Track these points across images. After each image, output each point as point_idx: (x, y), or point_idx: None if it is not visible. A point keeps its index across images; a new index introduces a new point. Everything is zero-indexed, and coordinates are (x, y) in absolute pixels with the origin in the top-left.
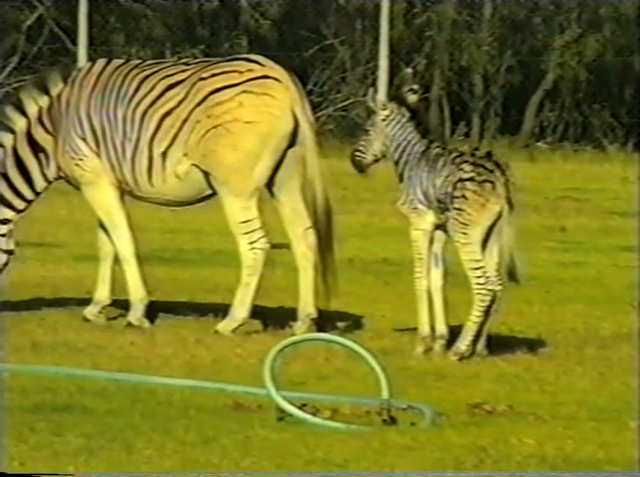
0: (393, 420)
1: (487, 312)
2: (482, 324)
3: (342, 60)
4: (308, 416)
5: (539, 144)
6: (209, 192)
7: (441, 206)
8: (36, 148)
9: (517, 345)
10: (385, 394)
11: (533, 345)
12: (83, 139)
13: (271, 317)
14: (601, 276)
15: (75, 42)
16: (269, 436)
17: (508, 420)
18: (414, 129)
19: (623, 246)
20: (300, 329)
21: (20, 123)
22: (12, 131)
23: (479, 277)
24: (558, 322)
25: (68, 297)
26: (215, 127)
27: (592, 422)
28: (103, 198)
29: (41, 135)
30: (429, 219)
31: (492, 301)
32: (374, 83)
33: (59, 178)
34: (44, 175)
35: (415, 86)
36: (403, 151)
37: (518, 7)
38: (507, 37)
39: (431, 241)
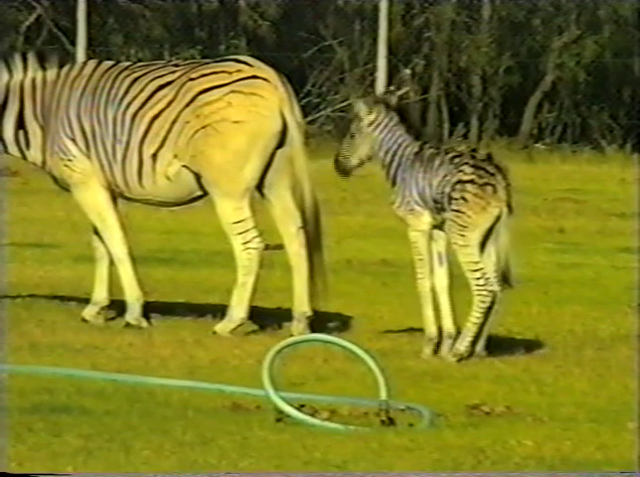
0: (391, 421)
1: (487, 313)
2: (482, 325)
3: (340, 61)
4: (307, 417)
5: (537, 145)
6: (200, 192)
7: (437, 206)
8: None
9: (515, 346)
10: (383, 394)
11: (531, 346)
12: (73, 140)
13: (270, 318)
14: (600, 278)
15: (73, 42)
16: (268, 437)
17: (506, 422)
18: (405, 132)
19: (622, 248)
20: (297, 328)
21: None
22: None
23: (479, 278)
24: (556, 323)
25: (66, 298)
26: (203, 127)
27: (591, 424)
28: (94, 199)
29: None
30: (426, 219)
31: (492, 302)
32: (372, 84)
33: None
34: None
35: (392, 88)
36: (394, 154)
37: (517, 8)
38: (506, 38)
39: (430, 242)
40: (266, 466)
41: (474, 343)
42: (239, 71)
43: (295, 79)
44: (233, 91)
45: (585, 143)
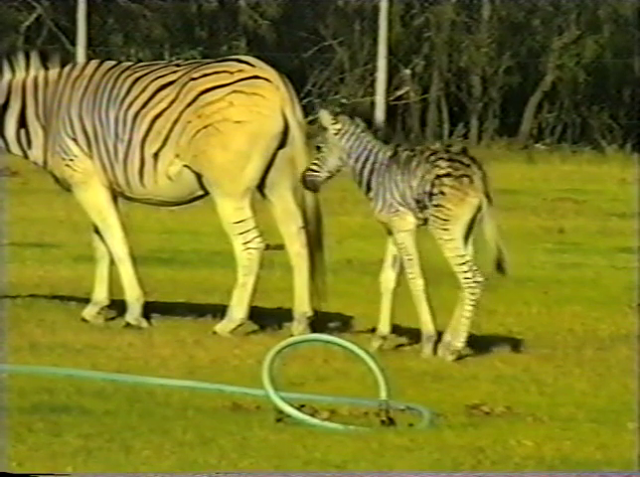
0: (391, 421)
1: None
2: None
3: (340, 61)
4: (307, 417)
5: (537, 145)
6: (201, 192)
7: (420, 205)
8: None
9: (515, 346)
10: (383, 394)
11: (531, 346)
12: (74, 140)
13: (270, 318)
14: (600, 278)
15: (73, 42)
16: (268, 437)
17: (506, 422)
18: (373, 138)
19: (622, 248)
20: (297, 328)
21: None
22: None
23: (466, 272)
24: (556, 323)
25: (66, 298)
26: (205, 127)
27: (591, 424)
28: (95, 199)
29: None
30: (411, 220)
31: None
32: (372, 84)
33: None
34: None
35: (344, 100)
36: (366, 161)
37: (516, 8)
38: (505, 38)
39: (390, 243)
40: (266, 466)
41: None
42: (240, 71)
43: (295, 80)
44: (234, 91)
45: (585, 143)
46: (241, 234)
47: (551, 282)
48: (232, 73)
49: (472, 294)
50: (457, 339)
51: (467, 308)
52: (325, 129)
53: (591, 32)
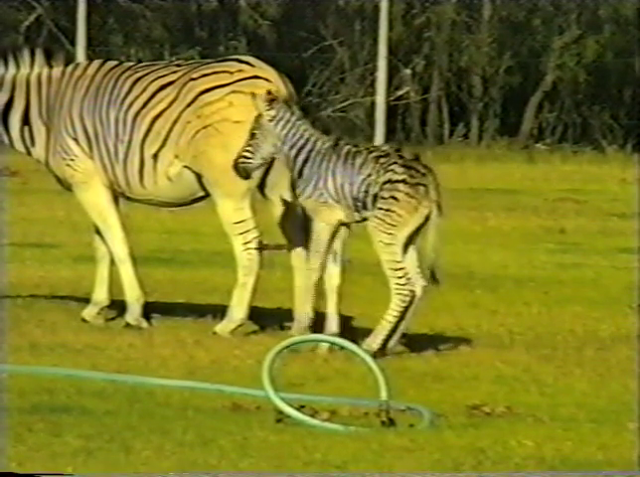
0: (391, 422)
1: (404, 312)
2: (398, 323)
3: (341, 61)
4: (307, 418)
5: (538, 145)
6: (202, 193)
7: (357, 204)
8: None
9: (515, 346)
10: (383, 395)
11: (531, 346)
12: (75, 140)
13: (270, 318)
14: (600, 278)
15: (73, 42)
16: (268, 438)
17: (506, 422)
18: (310, 126)
19: (622, 248)
20: (297, 329)
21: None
22: None
23: (400, 278)
24: (556, 323)
25: (66, 298)
26: (205, 128)
27: (591, 424)
28: (95, 199)
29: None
30: (338, 214)
31: (411, 302)
32: (372, 84)
33: None
34: None
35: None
36: (301, 149)
37: (517, 8)
38: (506, 38)
39: (334, 237)
40: (266, 467)
41: (387, 340)
42: (240, 71)
43: (295, 80)
44: (234, 91)
45: (586, 143)
46: (242, 234)
47: (551, 282)
48: (231, 73)
49: (402, 301)
50: (373, 340)
51: (392, 313)
52: (260, 116)
53: (592, 32)
